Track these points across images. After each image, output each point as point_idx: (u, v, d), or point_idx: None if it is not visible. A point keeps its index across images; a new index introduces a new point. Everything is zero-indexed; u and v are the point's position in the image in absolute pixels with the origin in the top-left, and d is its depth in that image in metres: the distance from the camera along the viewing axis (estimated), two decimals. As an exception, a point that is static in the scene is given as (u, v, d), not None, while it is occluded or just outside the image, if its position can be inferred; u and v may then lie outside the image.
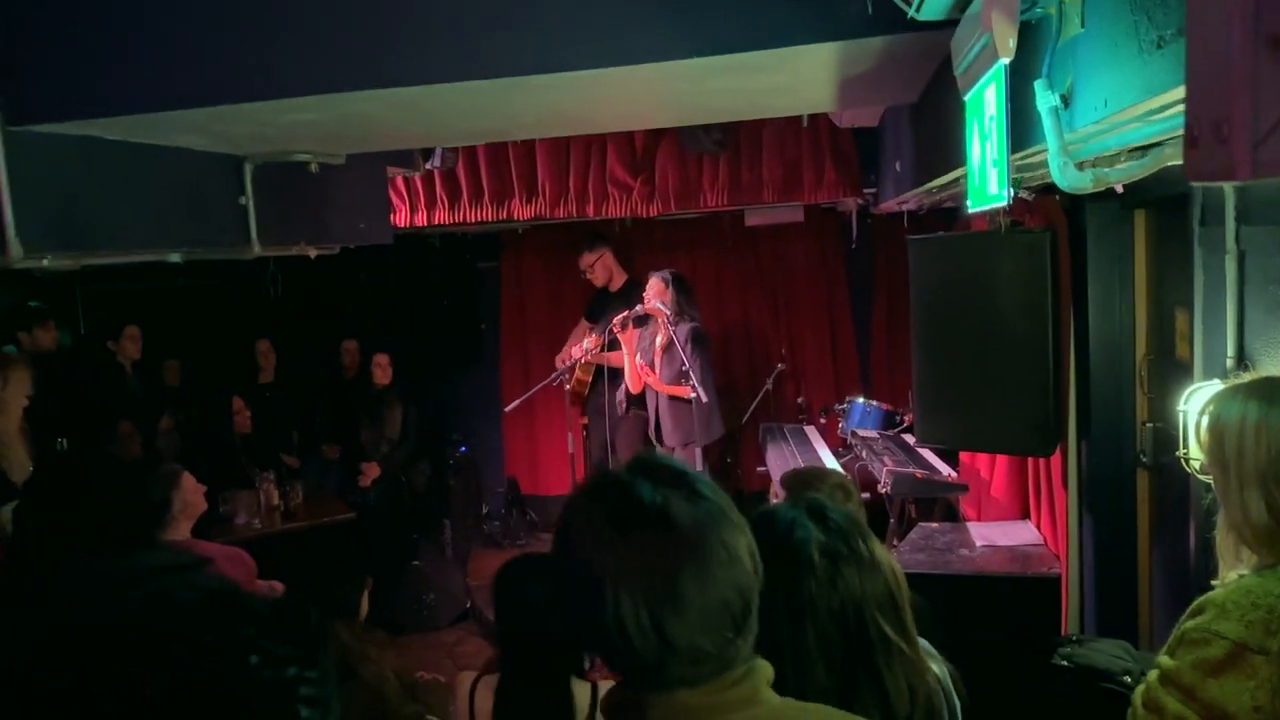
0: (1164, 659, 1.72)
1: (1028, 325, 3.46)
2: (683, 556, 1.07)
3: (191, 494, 3.95)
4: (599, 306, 6.44)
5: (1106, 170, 1.54)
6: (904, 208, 4.79)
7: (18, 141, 2.51)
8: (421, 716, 3.00)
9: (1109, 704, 1.96)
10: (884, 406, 5.67)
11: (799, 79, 2.64)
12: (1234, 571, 1.75)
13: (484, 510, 7.45)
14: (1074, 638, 2.23)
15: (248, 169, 3.34)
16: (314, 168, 3.45)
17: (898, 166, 4.04)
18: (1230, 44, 0.65)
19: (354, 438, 6.37)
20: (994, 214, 3.12)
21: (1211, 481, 1.78)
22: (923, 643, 1.69)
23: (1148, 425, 3.44)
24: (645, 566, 1.06)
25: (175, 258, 3.22)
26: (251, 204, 3.37)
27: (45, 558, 2.16)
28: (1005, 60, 1.41)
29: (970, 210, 2.08)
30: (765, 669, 1.17)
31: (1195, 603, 1.73)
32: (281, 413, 6.57)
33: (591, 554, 1.09)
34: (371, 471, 6.21)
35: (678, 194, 5.55)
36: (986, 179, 1.73)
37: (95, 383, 5.59)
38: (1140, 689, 1.77)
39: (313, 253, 3.95)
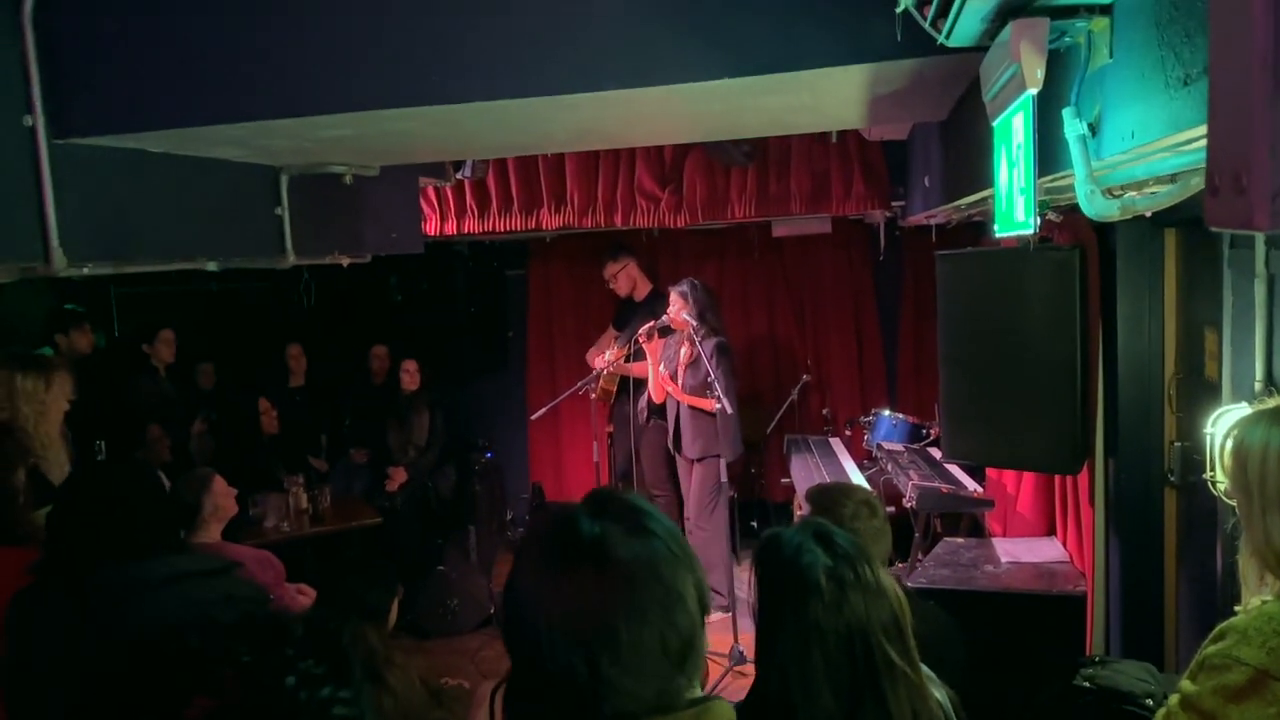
0: (1185, 683, 1.73)
1: (1056, 342, 3.45)
2: (617, 594, 1.04)
3: (222, 497, 4.01)
4: (624, 316, 6.48)
5: (1134, 198, 1.55)
6: (932, 221, 4.79)
7: (62, 153, 2.58)
8: (446, 723, 3.04)
9: (1131, 727, 1.96)
10: (910, 420, 5.65)
11: (829, 98, 2.66)
12: (1257, 597, 1.76)
13: (509, 516, 7.49)
14: (1097, 659, 2.22)
15: (284, 180, 3.40)
16: (348, 179, 3.51)
17: (926, 181, 4.05)
18: (1250, 96, 0.67)
19: (381, 442, 6.43)
20: (1037, 203, 3.14)
21: (1235, 506, 1.78)
22: (924, 669, 1.70)
23: (1176, 445, 3.42)
24: (578, 602, 1.04)
25: (212, 266, 3.29)
26: (287, 214, 3.43)
27: (76, 565, 2.21)
28: (1033, 91, 1.43)
29: (998, 234, 2.09)
30: (722, 711, 1.12)
31: (1217, 628, 1.74)
32: (310, 416, 6.66)
33: (529, 585, 1.08)
34: (398, 476, 6.27)
35: (705, 205, 5.58)
36: (1014, 205, 1.74)
37: (129, 386, 5.68)
38: (1161, 713, 1.77)
39: (345, 262, 4.01)
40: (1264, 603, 1.72)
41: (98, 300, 6.59)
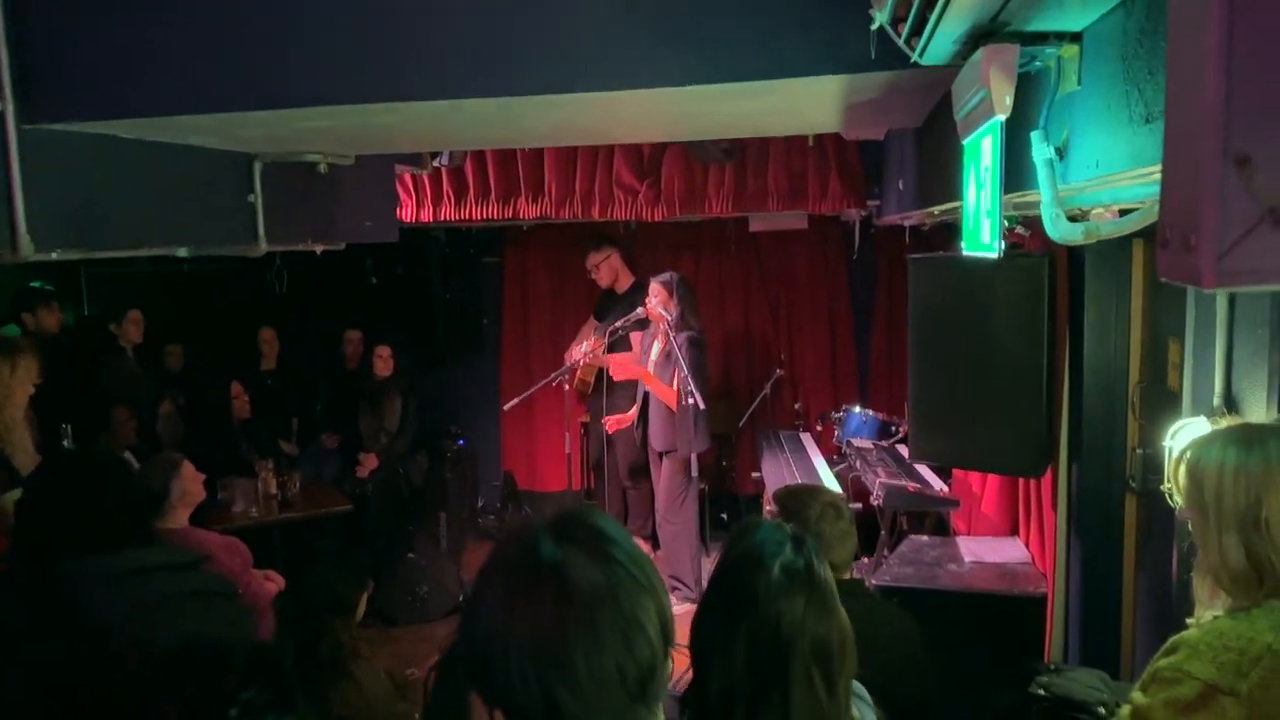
0: (1137, 695, 1.77)
1: (1023, 348, 3.50)
2: (572, 620, 1.01)
3: (190, 483, 3.98)
4: (605, 307, 6.48)
5: (1098, 225, 1.57)
6: (907, 223, 4.83)
7: (31, 139, 2.54)
8: (411, 716, 3.04)
9: (1083, 735, 2.01)
10: (880, 416, 5.70)
11: (805, 104, 2.68)
12: (1209, 612, 1.80)
13: (480, 504, 7.49)
14: (1052, 666, 2.27)
15: (257, 167, 3.37)
16: (323, 168, 3.49)
17: (900, 185, 4.08)
18: (1200, 160, 0.69)
19: (353, 428, 6.41)
20: (1003, 227, 3.17)
21: (1190, 524, 1.82)
22: (856, 686, 1.73)
23: (1138, 451, 3.47)
24: (535, 629, 1.02)
25: (183, 253, 3.26)
26: (260, 202, 3.40)
27: (43, 556, 2.20)
28: (1001, 117, 1.45)
29: (965, 251, 2.12)
30: None
31: (1169, 641, 1.78)
32: (282, 400, 6.62)
33: (488, 608, 1.06)
34: (369, 462, 6.25)
35: (683, 199, 5.58)
36: (980, 226, 1.76)
37: (96, 366, 5.62)
38: (1112, 723, 1.81)
39: (319, 249, 3.99)
40: (1215, 618, 1.75)
41: (67, 278, 6.50)
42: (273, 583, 3.94)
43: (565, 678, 1.00)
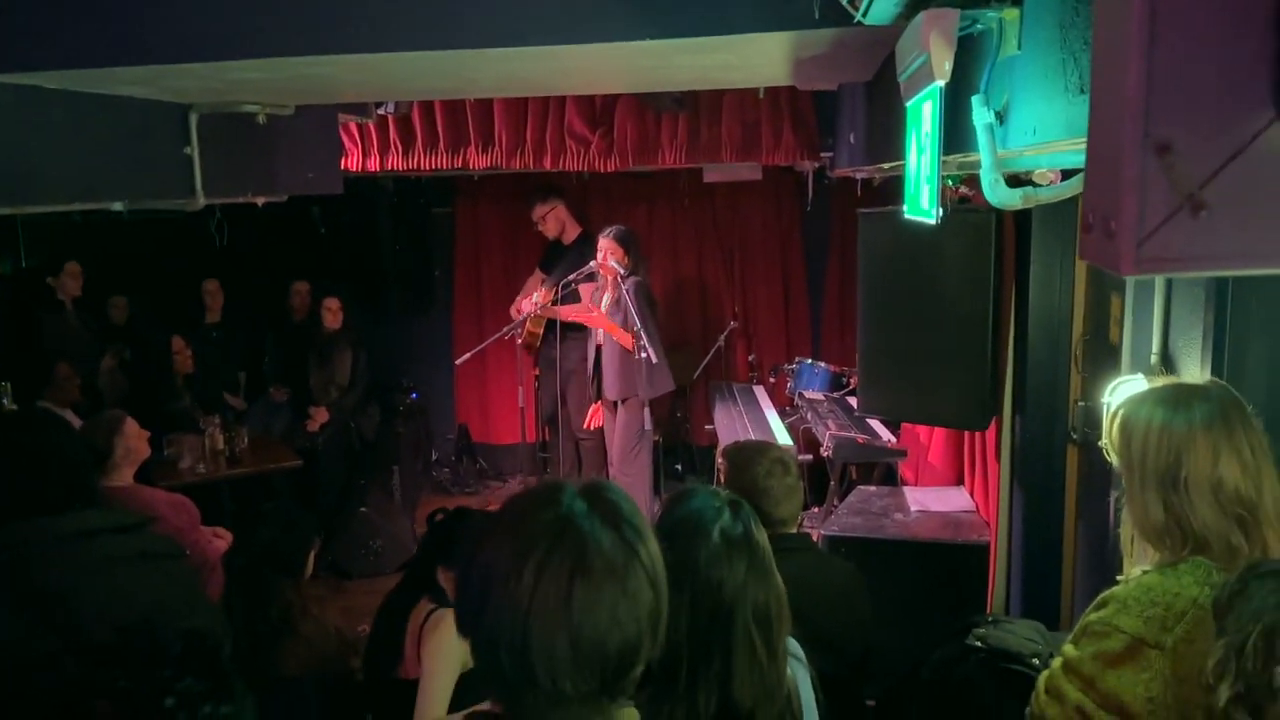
0: (1068, 648, 1.82)
1: (970, 302, 3.53)
2: (579, 593, 1.04)
3: (135, 440, 3.92)
4: (552, 258, 6.42)
5: (1035, 190, 1.58)
6: (859, 175, 4.82)
7: (-50, 90, 2.44)
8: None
9: (1016, 685, 2.06)
10: (831, 368, 5.75)
11: (754, 59, 2.65)
12: (1137, 567, 1.85)
13: (434, 457, 7.47)
14: (990, 618, 2.33)
15: (193, 119, 3.26)
16: (262, 119, 3.39)
17: (851, 139, 4.06)
18: (1121, 146, 0.68)
19: (302, 382, 6.33)
20: (942, 193, 3.18)
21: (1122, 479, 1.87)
22: (790, 643, 1.76)
23: (1080, 404, 3.55)
24: (542, 588, 1.04)
25: (117, 207, 3.16)
26: (197, 154, 3.30)
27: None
28: (941, 83, 1.44)
29: (906, 215, 2.11)
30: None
31: (1100, 596, 1.83)
32: (228, 354, 6.51)
33: (502, 555, 1.07)
34: (320, 416, 6.20)
35: (636, 150, 5.52)
36: (919, 191, 1.76)
37: (35, 322, 5.48)
38: (1044, 675, 1.87)
39: (260, 202, 3.90)
40: (1144, 573, 1.81)
41: (4, 229, 6.30)
42: (221, 540, 3.91)
43: (549, 644, 1.02)
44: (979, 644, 2.18)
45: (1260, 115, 0.65)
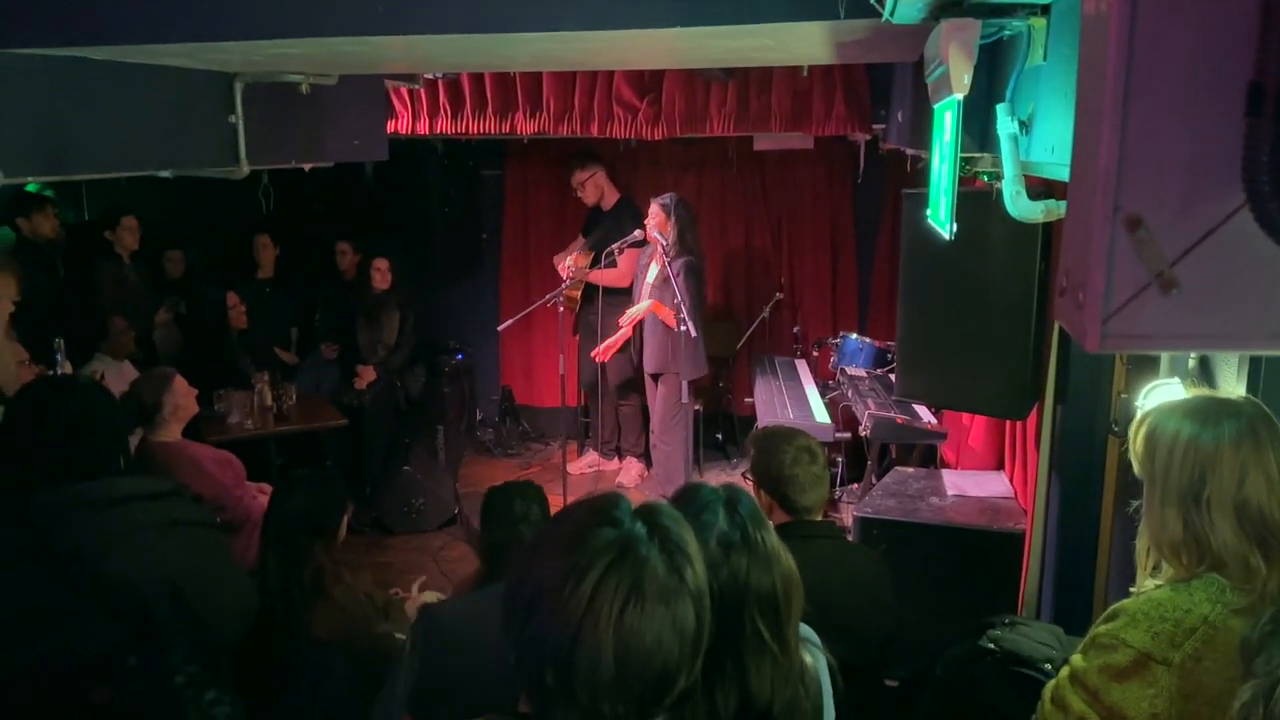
0: (1076, 658, 1.81)
1: (1014, 289, 3.45)
2: (628, 618, 1.04)
3: (183, 397, 4.03)
4: (591, 224, 6.43)
5: (1058, 204, 1.53)
6: (908, 151, 4.71)
7: (-2, 64, 2.49)
8: (391, 636, 3.13)
9: (1027, 689, 2.05)
10: (877, 344, 5.68)
11: (793, 43, 2.60)
12: (1151, 580, 1.82)
13: (478, 418, 7.57)
14: (1007, 620, 2.31)
15: (238, 87, 3.29)
16: (305, 89, 3.41)
17: (900, 117, 3.97)
18: (1091, 218, 0.66)
19: (351, 340, 6.44)
20: (957, 208, 3.10)
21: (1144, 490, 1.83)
22: (804, 629, 1.75)
23: (1123, 396, 3.46)
24: (593, 607, 1.04)
25: (164, 174, 3.22)
26: (241, 122, 3.33)
27: (20, 484, 2.22)
28: (959, 96, 1.39)
29: (928, 219, 2.06)
30: None
31: (1110, 608, 1.81)
32: (281, 310, 6.63)
33: (551, 570, 1.07)
34: (367, 375, 6.30)
35: (684, 118, 5.46)
36: (939, 200, 1.72)
37: (93, 275, 5.62)
38: (1051, 684, 1.86)
39: (307, 167, 3.94)
40: (1157, 587, 1.78)
41: (67, 181, 6.43)
42: (265, 496, 4.00)
43: (594, 663, 1.03)
44: (992, 645, 2.17)
45: (1234, 195, 0.62)
